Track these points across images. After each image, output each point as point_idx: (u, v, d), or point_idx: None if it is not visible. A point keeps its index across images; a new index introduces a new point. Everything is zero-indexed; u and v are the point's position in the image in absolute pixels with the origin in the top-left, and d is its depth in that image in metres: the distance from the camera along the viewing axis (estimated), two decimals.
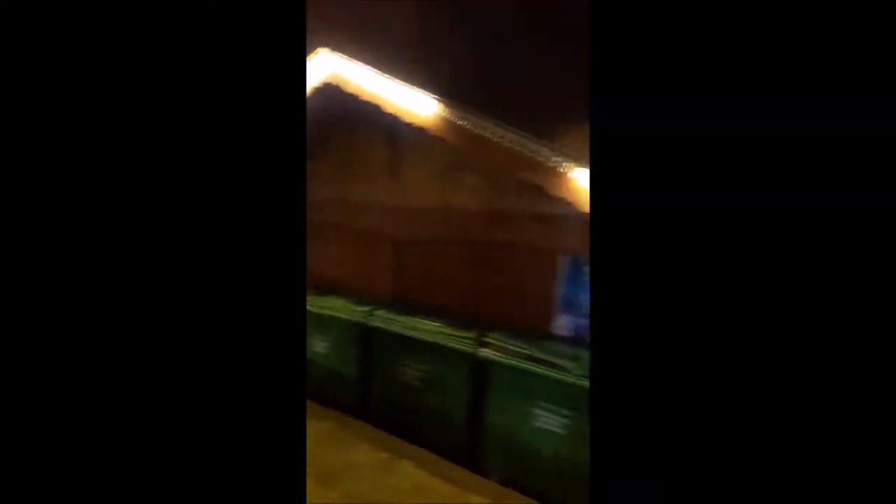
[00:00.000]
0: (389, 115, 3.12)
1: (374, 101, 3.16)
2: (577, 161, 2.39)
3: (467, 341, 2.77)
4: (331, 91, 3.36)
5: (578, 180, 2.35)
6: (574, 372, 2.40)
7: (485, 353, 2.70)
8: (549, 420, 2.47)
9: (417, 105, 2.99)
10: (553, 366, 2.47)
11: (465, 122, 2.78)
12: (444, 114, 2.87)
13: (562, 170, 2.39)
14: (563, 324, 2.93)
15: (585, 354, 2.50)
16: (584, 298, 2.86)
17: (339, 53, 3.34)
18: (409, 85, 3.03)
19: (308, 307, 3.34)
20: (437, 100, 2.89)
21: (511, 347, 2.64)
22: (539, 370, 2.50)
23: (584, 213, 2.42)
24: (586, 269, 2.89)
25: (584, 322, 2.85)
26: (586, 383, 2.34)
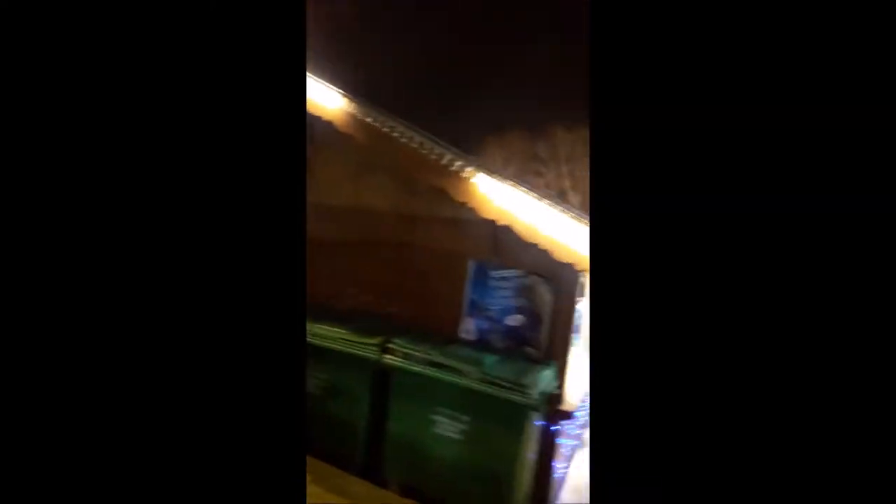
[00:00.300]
0: None
1: None
2: (486, 167, 2.40)
3: (371, 347, 2.67)
4: None
5: (480, 185, 2.36)
6: (474, 376, 2.41)
7: (388, 359, 2.62)
8: (448, 426, 2.45)
9: (328, 101, 2.84)
10: (454, 371, 2.45)
11: (376, 122, 2.69)
12: (355, 112, 2.75)
13: (464, 174, 2.38)
14: (469, 328, 2.94)
15: (487, 358, 2.51)
16: (490, 303, 2.90)
17: None
18: (322, 81, 2.87)
19: None
20: (349, 98, 2.77)
21: (414, 353, 2.58)
22: (440, 375, 2.47)
23: (486, 219, 2.44)
24: (493, 273, 2.93)
25: (490, 326, 2.88)
26: (485, 388, 2.35)
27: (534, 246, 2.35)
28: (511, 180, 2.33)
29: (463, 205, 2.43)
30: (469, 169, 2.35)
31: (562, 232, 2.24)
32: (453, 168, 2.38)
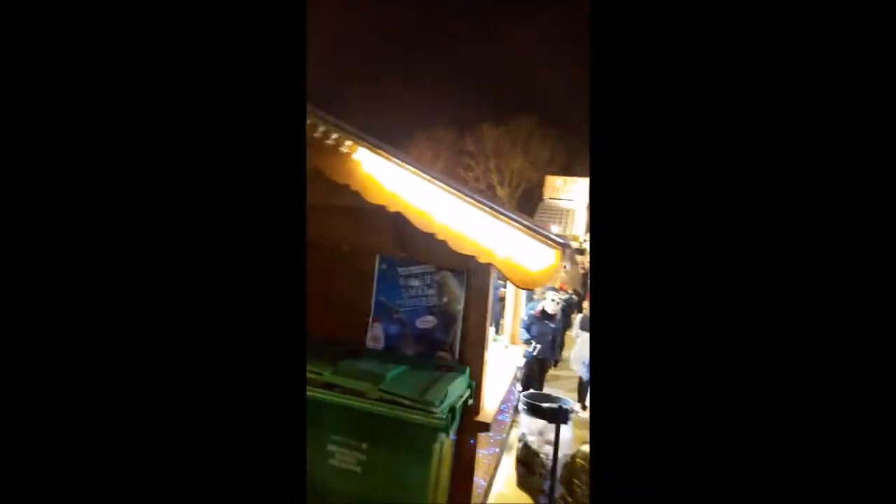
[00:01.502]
0: None
1: None
2: (369, 141, 1.96)
3: None
4: None
5: (363, 164, 1.93)
6: (372, 396, 2.01)
7: None
8: (346, 457, 2.05)
9: None
10: (350, 391, 2.04)
11: None
12: None
13: (345, 150, 1.93)
14: (376, 334, 2.54)
15: (390, 372, 2.13)
16: (399, 303, 2.50)
17: None
18: None
19: None
20: None
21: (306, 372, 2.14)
22: (333, 398, 2.05)
23: (380, 207, 2.02)
24: (400, 270, 2.53)
25: (399, 330, 2.50)
26: (384, 409, 1.97)
27: (432, 236, 1.97)
28: (440, 173, 1.93)
29: (346, 187, 1.99)
30: (349, 143, 1.91)
31: (462, 220, 1.88)
32: (329, 142, 1.92)
